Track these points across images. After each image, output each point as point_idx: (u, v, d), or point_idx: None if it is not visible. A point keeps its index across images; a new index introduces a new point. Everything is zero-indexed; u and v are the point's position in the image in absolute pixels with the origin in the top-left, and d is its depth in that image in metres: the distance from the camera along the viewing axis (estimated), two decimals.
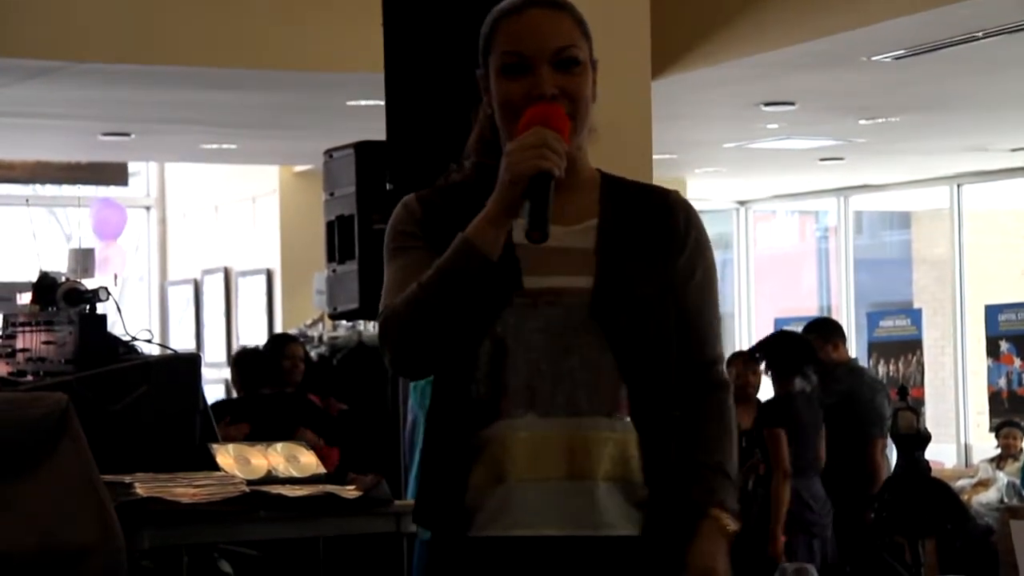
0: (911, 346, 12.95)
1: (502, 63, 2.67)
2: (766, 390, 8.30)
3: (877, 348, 13.10)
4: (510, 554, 2.61)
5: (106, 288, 5.25)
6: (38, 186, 14.30)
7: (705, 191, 14.65)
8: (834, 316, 13.87)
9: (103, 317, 5.20)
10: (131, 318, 5.84)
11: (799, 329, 9.11)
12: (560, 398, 2.61)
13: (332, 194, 5.88)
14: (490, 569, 2.63)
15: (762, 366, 8.17)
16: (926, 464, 8.60)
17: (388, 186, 5.37)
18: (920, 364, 12.87)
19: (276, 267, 13.45)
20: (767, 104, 9.94)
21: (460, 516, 2.63)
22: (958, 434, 13.49)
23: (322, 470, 4.95)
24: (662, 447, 2.66)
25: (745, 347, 9.04)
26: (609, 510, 2.62)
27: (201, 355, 6.39)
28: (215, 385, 12.94)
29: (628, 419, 2.63)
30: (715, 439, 2.71)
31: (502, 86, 2.67)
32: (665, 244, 2.71)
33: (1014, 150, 12.21)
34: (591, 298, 2.63)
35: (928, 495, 8.53)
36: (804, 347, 8.27)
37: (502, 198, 2.57)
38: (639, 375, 2.64)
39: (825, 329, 9.01)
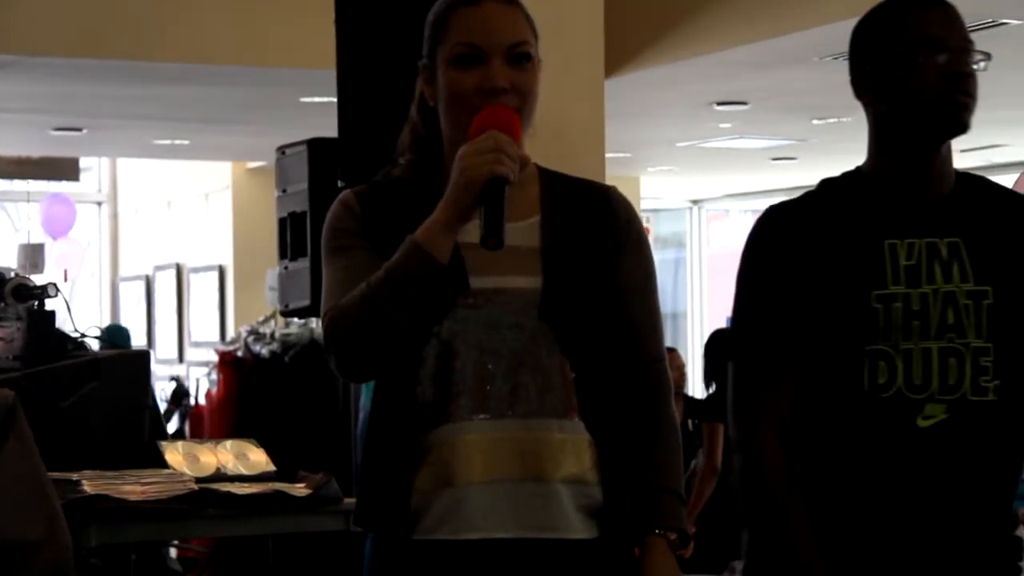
0: None
1: (455, 53, 2.62)
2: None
3: None
4: (459, 558, 2.57)
5: (55, 284, 5.23)
6: None
7: (658, 190, 14.68)
8: None
9: (51, 313, 5.18)
10: (82, 314, 5.81)
11: None
12: (509, 400, 2.57)
13: (284, 191, 5.86)
14: (438, 573, 2.58)
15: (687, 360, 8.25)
16: None
17: (340, 183, 5.35)
18: None
19: (228, 263, 13.40)
20: (720, 103, 9.97)
21: (404, 519, 2.58)
22: None
23: (271, 468, 4.93)
24: (614, 449, 2.63)
25: (698, 346, 9.07)
26: (568, 512, 2.59)
27: (151, 351, 6.37)
28: (165, 382, 12.88)
29: (579, 421, 2.60)
30: (667, 460, 2.67)
31: (452, 76, 2.63)
32: (608, 241, 2.68)
33: (964, 151, 12.27)
34: (540, 299, 2.59)
35: None
36: None
37: (456, 202, 2.51)
38: (589, 376, 2.62)
39: None
